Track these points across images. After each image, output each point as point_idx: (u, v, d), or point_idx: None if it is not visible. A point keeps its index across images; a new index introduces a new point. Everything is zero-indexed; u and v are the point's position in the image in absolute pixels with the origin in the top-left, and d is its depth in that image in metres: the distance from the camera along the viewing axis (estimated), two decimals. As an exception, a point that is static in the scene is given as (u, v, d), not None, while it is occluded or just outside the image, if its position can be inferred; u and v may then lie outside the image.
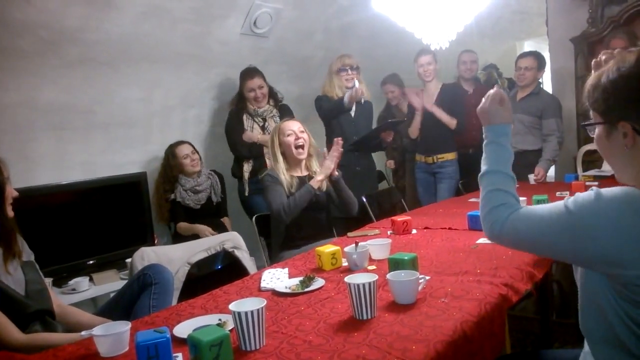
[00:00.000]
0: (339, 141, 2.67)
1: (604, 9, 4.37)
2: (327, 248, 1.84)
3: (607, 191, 1.00)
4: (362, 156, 3.63)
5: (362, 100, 3.55)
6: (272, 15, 3.75)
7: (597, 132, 1.12)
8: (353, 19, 4.38)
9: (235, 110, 3.64)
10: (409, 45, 5.04)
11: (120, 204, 3.27)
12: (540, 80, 3.89)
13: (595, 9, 4.31)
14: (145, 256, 2.10)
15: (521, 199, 2.45)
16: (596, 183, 3.24)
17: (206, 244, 2.30)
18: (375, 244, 1.88)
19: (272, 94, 3.72)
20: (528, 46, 7.00)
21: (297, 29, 4.07)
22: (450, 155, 3.84)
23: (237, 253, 2.32)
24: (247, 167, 3.57)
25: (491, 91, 1.34)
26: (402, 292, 1.40)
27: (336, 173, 2.70)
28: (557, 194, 3.05)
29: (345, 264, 1.84)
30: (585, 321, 1.10)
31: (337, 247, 1.84)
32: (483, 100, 1.35)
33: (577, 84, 4.49)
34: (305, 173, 2.78)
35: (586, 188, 3.02)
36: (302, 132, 2.72)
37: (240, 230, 3.64)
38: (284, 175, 2.68)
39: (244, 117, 3.60)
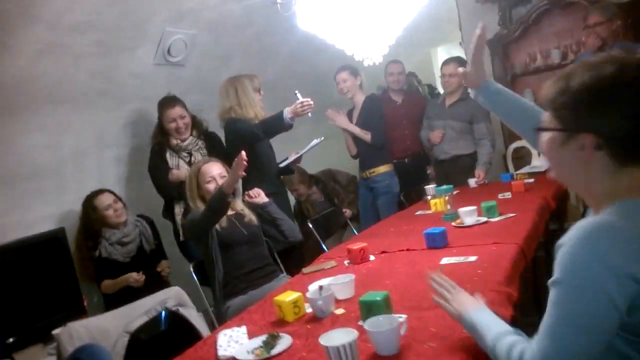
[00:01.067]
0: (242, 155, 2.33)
1: (511, 11, 4.54)
2: (287, 296, 1.64)
3: (568, 242, 0.93)
4: (277, 182, 3.38)
5: (310, 114, 3.04)
6: (186, 41, 3.52)
7: (550, 136, 1.01)
8: (272, 39, 4.25)
9: (157, 147, 3.28)
10: (331, 60, 5.00)
11: (38, 268, 2.85)
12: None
13: (504, 11, 4.46)
14: (74, 333, 1.78)
15: (471, 208, 2.44)
16: (532, 180, 3.27)
17: (145, 306, 2.02)
18: (339, 282, 1.71)
19: (196, 124, 3.39)
20: (442, 52, 7.22)
21: (215, 55, 3.86)
22: (383, 168, 3.78)
23: (183, 311, 2.06)
24: (178, 209, 3.22)
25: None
26: (385, 342, 1.23)
27: (265, 199, 2.59)
28: (499, 196, 3.05)
29: (309, 310, 1.65)
30: None
31: (298, 294, 1.65)
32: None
33: (496, 84, 4.62)
34: (230, 213, 2.56)
35: (525, 186, 3.09)
36: (223, 177, 2.53)
37: (183, 274, 3.36)
38: None
39: (167, 153, 3.25)
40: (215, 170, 2.57)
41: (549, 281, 0.95)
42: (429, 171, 3.96)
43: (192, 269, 2.58)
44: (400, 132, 4.08)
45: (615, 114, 0.90)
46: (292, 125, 3.07)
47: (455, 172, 3.80)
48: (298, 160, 3.40)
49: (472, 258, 1.85)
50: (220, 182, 2.49)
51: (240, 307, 2.31)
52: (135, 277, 2.91)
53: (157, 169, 3.25)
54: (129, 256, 3.09)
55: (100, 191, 3.14)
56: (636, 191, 0.94)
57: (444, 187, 2.72)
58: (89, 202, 3.08)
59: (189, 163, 3.26)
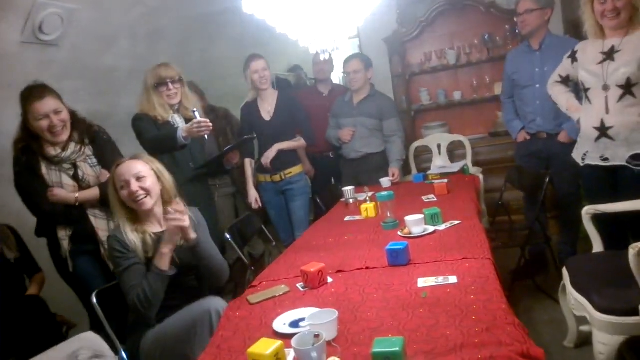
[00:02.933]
0: (178, 205, 2.00)
1: (405, 9, 4.55)
2: (265, 347, 1.32)
3: None
4: (201, 186, 3.03)
5: (206, 136, 2.75)
6: (63, 17, 2.89)
7: None
8: (162, 23, 3.73)
9: (26, 158, 2.45)
10: (223, 50, 4.60)
11: None
12: (371, 82, 3.82)
13: (404, 10, 4.47)
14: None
15: (418, 216, 2.31)
16: (445, 180, 3.28)
17: (49, 362, 1.53)
18: (321, 322, 1.43)
19: (77, 123, 2.56)
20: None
21: (97, 35, 3.26)
22: (297, 168, 3.52)
23: (102, 365, 1.61)
24: (64, 234, 2.52)
25: None
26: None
27: (193, 236, 2.01)
28: (424, 198, 2.99)
29: (290, 358, 1.35)
30: None
31: (278, 342, 1.33)
32: None
33: (394, 82, 4.63)
34: (158, 230, 2.10)
35: (448, 188, 3.07)
36: (143, 177, 2.04)
37: (66, 290, 2.78)
38: (133, 235, 2.02)
39: (43, 167, 2.45)
40: (132, 170, 2.04)
41: None
42: None
43: (94, 300, 2.04)
44: (326, 125, 3.86)
45: None
46: (186, 146, 2.73)
47: (365, 170, 3.69)
48: (223, 156, 3.01)
49: (453, 279, 1.69)
50: (135, 187, 2.00)
51: (156, 341, 1.92)
52: None
53: (30, 188, 2.46)
54: None
55: None
56: None
57: (385, 193, 2.55)
58: None
59: (75, 177, 2.51)
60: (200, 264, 2.07)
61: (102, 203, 2.48)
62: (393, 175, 3.54)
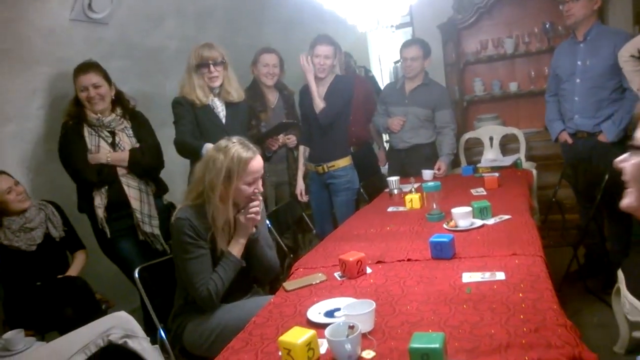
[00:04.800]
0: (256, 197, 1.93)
1: (465, -5, 4.34)
2: (297, 336, 1.24)
3: None
4: None
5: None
6: (112, -5, 2.89)
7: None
8: (211, 3, 3.70)
9: (72, 121, 2.64)
10: (271, 33, 4.55)
11: None
12: (426, 70, 3.64)
13: (460, -5, 4.27)
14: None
15: (466, 209, 2.17)
16: (496, 174, 3.11)
17: (81, 339, 1.51)
18: (357, 313, 1.34)
19: (120, 100, 2.79)
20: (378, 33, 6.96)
21: (145, 14, 3.25)
22: (344, 161, 3.24)
23: (132, 344, 1.58)
24: (99, 200, 2.62)
25: None
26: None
27: (253, 230, 1.95)
28: (473, 192, 2.84)
29: (323, 351, 1.27)
30: None
31: (311, 332, 1.25)
32: None
33: (447, 70, 4.44)
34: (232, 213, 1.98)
35: (498, 182, 2.90)
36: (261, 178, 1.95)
37: (107, 270, 2.81)
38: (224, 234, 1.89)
39: (85, 131, 2.63)
40: (260, 168, 1.90)
41: None
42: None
43: (137, 276, 1.98)
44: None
45: None
46: None
47: (412, 162, 3.54)
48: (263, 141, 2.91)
49: (500, 275, 1.57)
50: (259, 187, 1.91)
51: (210, 328, 1.85)
52: None
53: (72, 148, 2.61)
54: (35, 244, 2.62)
55: None
56: None
57: (432, 184, 2.42)
58: None
59: (112, 145, 2.68)
60: (253, 257, 2.00)
61: (132, 169, 2.68)
62: (439, 169, 3.38)
